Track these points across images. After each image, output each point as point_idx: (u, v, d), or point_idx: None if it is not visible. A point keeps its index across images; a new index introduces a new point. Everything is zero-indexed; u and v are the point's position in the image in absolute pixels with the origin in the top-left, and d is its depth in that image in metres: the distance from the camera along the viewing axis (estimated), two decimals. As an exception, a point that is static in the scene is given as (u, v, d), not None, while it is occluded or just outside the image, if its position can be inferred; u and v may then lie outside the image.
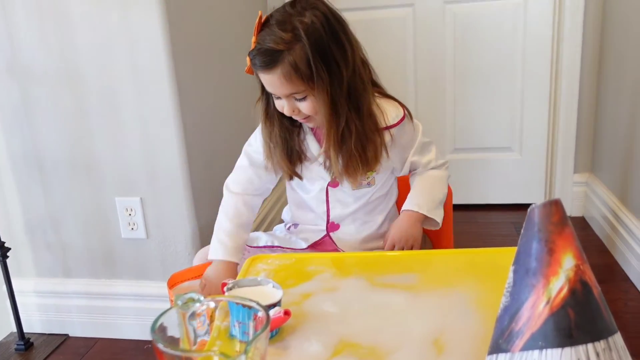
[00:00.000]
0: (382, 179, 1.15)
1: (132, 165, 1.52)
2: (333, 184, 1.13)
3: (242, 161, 1.19)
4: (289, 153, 1.10)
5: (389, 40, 2.27)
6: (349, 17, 2.30)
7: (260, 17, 0.99)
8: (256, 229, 1.90)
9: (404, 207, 1.15)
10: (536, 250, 0.55)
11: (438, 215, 1.14)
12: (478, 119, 2.30)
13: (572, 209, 2.26)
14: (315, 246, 1.18)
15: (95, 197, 1.57)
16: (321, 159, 1.10)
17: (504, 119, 2.28)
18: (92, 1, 1.42)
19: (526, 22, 2.15)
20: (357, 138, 1.04)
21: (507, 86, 2.24)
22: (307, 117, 1.04)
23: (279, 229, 1.28)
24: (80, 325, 1.70)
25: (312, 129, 1.11)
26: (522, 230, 0.57)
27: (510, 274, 0.57)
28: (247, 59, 1.01)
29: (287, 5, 1.00)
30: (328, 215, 1.16)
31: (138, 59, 1.44)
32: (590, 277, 0.54)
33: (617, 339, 0.54)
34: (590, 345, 0.52)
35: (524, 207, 2.36)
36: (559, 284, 0.53)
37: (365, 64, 1.07)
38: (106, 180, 1.55)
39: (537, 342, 0.52)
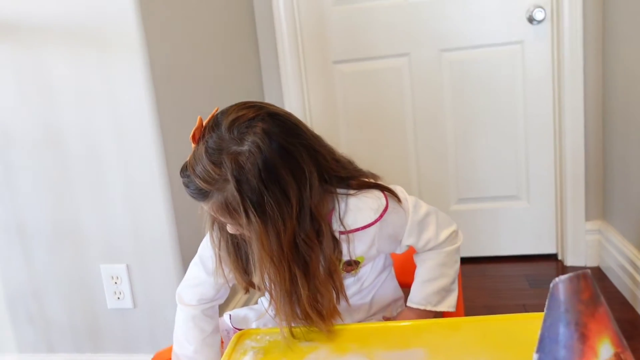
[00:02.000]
0: (371, 265, 1.02)
1: (117, 230, 1.44)
2: None
3: (196, 269, 1.02)
4: (244, 261, 0.93)
5: (386, 90, 2.22)
6: (346, 69, 2.27)
7: (200, 124, 0.85)
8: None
9: (409, 302, 1.03)
10: (564, 336, 0.45)
11: (449, 304, 1.02)
12: (482, 168, 2.22)
13: (586, 259, 2.15)
14: None
15: (79, 265, 1.48)
16: None
17: (508, 166, 2.20)
18: (74, 63, 1.37)
19: (524, 66, 2.10)
20: (309, 295, 0.86)
21: (510, 132, 2.17)
22: None
23: (265, 303, 1.15)
24: (64, 405, 1.58)
25: None
26: (545, 310, 0.48)
27: (535, 364, 0.48)
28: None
29: (224, 126, 0.82)
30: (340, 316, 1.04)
31: (121, 120, 1.38)
32: (634, 368, 0.45)
33: None
34: None
35: (536, 258, 2.25)
36: (596, 379, 0.43)
37: (332, 165, 0.90)
38: (90, 247, 1.46)
39: None
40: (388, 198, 0.94)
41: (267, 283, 0.87)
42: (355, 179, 0.94)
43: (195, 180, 0.83)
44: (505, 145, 2.18)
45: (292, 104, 2.23)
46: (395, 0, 2.14)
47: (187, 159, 0.86)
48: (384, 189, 0.95)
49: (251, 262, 0.92)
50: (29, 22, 1.36)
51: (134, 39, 1.33)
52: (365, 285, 1.03)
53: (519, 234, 2.25)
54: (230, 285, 1.02)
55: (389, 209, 0.94)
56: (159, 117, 1.38)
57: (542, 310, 0.48)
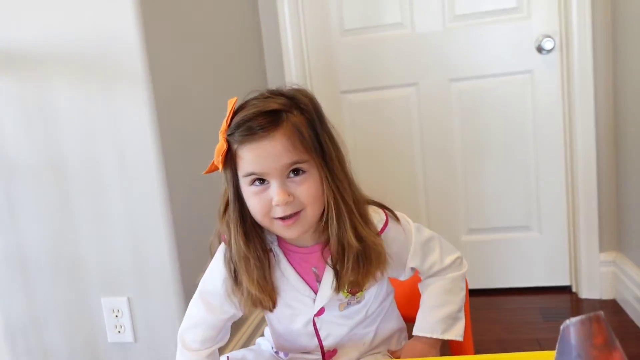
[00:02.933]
0: (372, 292, 0.98)
1: (119, 262, 1.41)
2: (318, 313, 0.95)
3: (195, 308, 0.99)
4: (262, 282, 0.89)
5: (394, 120, 2.20)
6: (354, 99, 2.26)
7: (234, 103, 0.86)
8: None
9: (415, 331, 0.99)
10: (577, 383, 0.41)
11: (455, 333, 0.98)
12: (492, 198, 2.18)
13: (601, 292, 2.09)
14: None
15: (80, 298, 1.45)
16: (302, 290, 0.93)
17: (519, 195, 2.16)
18: (78, 93, 1.36)
19: (534, 95, 2.08)
20: (364, 222, 0.87)
21: (520, 161, 2.14)
22: (297, 214, 0.84)
23: (263, 343, 1.12)
24: None
25: (284, 254, 0.93)
26: (555, 354, 0.44)
27: (545, 414, 0.44)
28: (219, 146, 0.84)
29: (265, 91, 0.87)
30: (322, 347, 0.99)
31: (124, 152, 1.36)
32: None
33: None
34: None
35: (550, 290, 2.19)
36: None
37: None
38: (91, 279, 1.44)
39: None
40: (387, 214, 0.93)
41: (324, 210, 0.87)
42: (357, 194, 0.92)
43: (267, 105, 0.82)
44: (515, 175, 2.15)
45: (300, 133, 2.21)
46: (403, 31, 2.14)
47: (223, 127, 0.85)
48: (383, 206, 0.94)
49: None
50: (33, 53, 1.37)
51: (138, 70, 1.33)
52: (370, 312, 0.99)
53: (531, 265, 2.20)
54: (241, 311, 0.97)
55: (389, 225, 0.93)
56: (162, 148, 1.37)
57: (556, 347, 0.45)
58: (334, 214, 0.85)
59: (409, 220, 0.98)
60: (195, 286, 1.30)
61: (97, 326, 1.46)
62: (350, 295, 0.94)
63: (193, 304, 1.00)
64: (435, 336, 0.97)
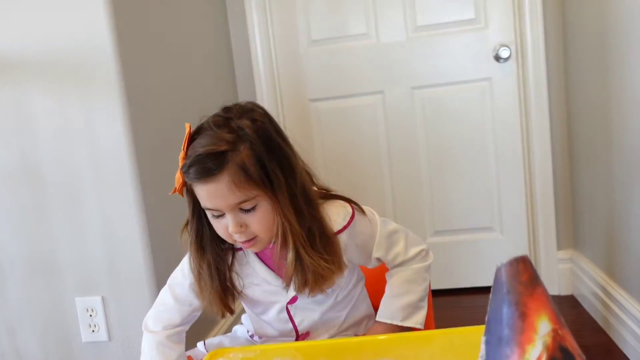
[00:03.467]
0: (341, 280, 1.04)
1: (93, 262, 1.44)
2: (291, 300, 1.02)
3: (164, 297, 1.03)
4: (223, 287, 0.96)
5: (361, 127, 2.28)
6: (322, 107, 2.34)
7: (190, 128, 0.89)
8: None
9: (377, 317, 1.06)
10: (507, 316, 0.48)
11: (416, 321, 1.04)
12: (456, 201, 2.27)
13: (560, 288, 2.18)
14: None
15: (54, 298, 1.48)
16: (273, 281, 0.99)
17: (481, 198, 2.26)
18: (52, 97, 1.40)
19: (493, 102, 2.18)
20: (322, 241, 0.92)
21: (481, 166, 2.23)
22: (253, 239, 0.91)
23: (239, 330, 1.17)
24: None
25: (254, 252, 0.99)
26: (490, 295, 0.51)
27: (482, 346, 0.50)
28: (178, 176, 0.89)
29: (219, 113, 0.90)
30: (296, 331, 1.05)
31: (99, 154, 1.40)
32: (572, 344, 0.48)
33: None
34: None
35: (512, 288, 2.28)
36: (536, 353, 0.46)
37: (306, 169, 0.99)
38: (65, 280, 1.46)
39: None
40: (354, 208, 0.99)
41: (278, 243, 0.91)
42: (322, 189, 1.00)
43: (209, 149, 0.84)
44: (477, 178, 2.24)
45: (270, 140, 2.27)
46: (369, 41, 2.23)
47: (181, 155, 0.88)
48: (349, 200, 1.00)
49: (230, 280, 0.95)
50: (8, 59, 1.40)
51: (112, 75, 1.38)
52: (339, 298, 1.06)
53: (494, 265, 2.26)
54: (203, 309, 1.03)
55: (355, 218, 0.99)
56: (136, 151, 1.41)
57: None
58: (284, 239, 0.90)
59: (375, 213, 1.04)
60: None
61: (71, 326, 1.48)
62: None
63: (162, 290, 1.05)
64: (395, 323, 1.03)
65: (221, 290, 0.96)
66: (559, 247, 2.18)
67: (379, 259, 1.05)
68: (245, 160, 0.84)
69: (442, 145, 2.24)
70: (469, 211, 2.27)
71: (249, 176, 0.85)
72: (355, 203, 1.02)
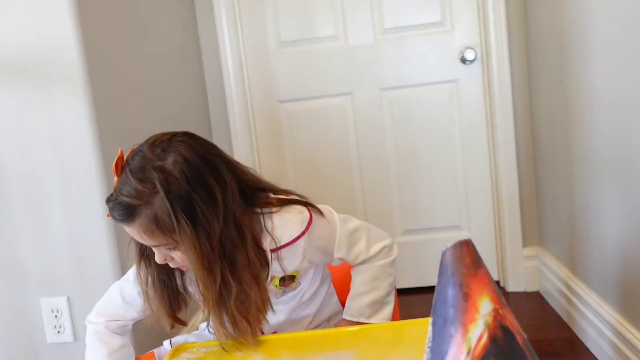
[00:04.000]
0: (308, 277, 1.06)
1: (58, 262, 1.43)
2: None
3: (113, 294, 1.05)
4: (170, 299, 0.97)
5: (331, 128, 2.30)
6: (291, 108, 2.35)
7: (121, 155, 0.90)
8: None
9: (344, 315, 1.07)
10: (452, 297, 0.50)
11: (382, 317, 1.06)
12: (424, 200, 2.31)
13: (526, 285, 2.23)
14: None
15: (18, 299, 1.46)
16: None
17: (449, 197, 2.30)
18: (15, 96, 1.39)
19: (460, 103, 2.23)
20: (237, 298, 0.90)
21: (449, 165, 2.27)
22: (184, 266, 0.93)
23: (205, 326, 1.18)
24: None
25: None
26: (437, 278, 0.53)
27: (430, 327, 0.52)
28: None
29: (146, 147, 0.90)
30: (262, 332, 1.04)
31: (64, 153, 1.40)
32: (512, 323, 0.50)
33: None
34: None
35: (479, 286, 2.32)
36: (477, 332, 0.48)
37: (251, 178, 0.97)
38: (30, 280, 1.45)
39: (460, 399, 0.46)
40: (311, 211, 0.99)
41: (199, 290, 0.90)
42: (277, 193, 0.99)
43: (123, 199, 0.85)
44: (445, 177, 2.28)
45: (240, 142, 2.28)
46: (337, 43, 2.26)
47: (114, 180, 0.89)
48: (306, 204, 1.00)
49: (182, 287, 0.96)
50: (-29, 57, 1.39)
51: (76, 73, 1.37)
52: (305, 298, 1.07)
53: (462, 263, 2.32)
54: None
55: (313, 222, 0.99)
56: (101, 150, 1.41)
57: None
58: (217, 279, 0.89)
59: (333, 211, 1.04)
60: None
61: (36, 327, 1.46)
62: (282, 287, 1.02)
63: (111, 289, 1.06)
64: (362, 320, 1.05)
65: (168, 303, 0.97)
66: (525, 244, 2.23)
67: (341, 259, 1.06)
68: (157, 212, 0.85)
69: (410, 145, 2.28)
70: (438, 210, 2.31)
71: (161, 227, 0.86)
72: (312, 205, 1.01)
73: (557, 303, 2.02)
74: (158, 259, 0.90)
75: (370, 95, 2.27)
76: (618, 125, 1.46)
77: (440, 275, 0.52)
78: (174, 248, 0.89)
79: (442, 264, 0.52)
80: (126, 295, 1.03)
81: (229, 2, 2.22)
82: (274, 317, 1.04)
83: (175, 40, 2.02)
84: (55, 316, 1.45)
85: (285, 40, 2.27)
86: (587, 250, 1.75)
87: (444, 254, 0.52)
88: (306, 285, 1.06)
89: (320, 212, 1.02)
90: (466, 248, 0.51)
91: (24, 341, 1.48)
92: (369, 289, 1.07)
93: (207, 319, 1.17)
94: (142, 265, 0.96)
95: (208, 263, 0.87)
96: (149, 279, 0.96)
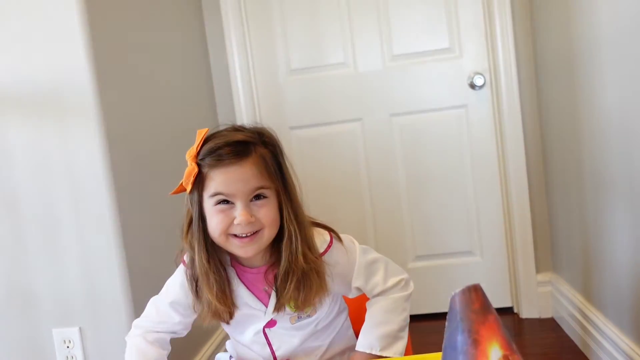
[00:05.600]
0: (325, 307, 1.06)
1: (71, 293, 1.44)
2: (269, 324, 1.03)
3: (149, 308, 1.07)
4: (222, 295, 0.98)
5: (341, 154, 2.31)
6: (302, 134, 2.37)
7: (205, 132, 0.95)
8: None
9: (357, 347, 1.06)
10: (461, 343, 0.50)
11: (395, 350, 1.05)
12: (436, 226, 2.30)
13: (540, 311, 2.20)
14: None
15: (31, 330, 1.46)
16: (254, 305, 1.02)
17: (461, 223, 2.28)
18: (29, 128, 1.41)
19: (469, 128, 2.23)
20: (310, 246, 0.97)
21: (460, 190, 2.27)
22: (256, 233, 0.94)
23: (222, 357, 1.17)
24: None
25: (237, 273, 1.01)
26: (446, 323, 0.53)
27: (439, 374, 0.52)
28: (190, 169, 0.92)
29: (230, 126, 0.99)
30: (274, 357, 1.06)
31: (77, 184, 1.41)
32: (523, 369, 0.49)
33: None
34: None
35: (493, 312, 2.29)
36: (488, 379, 0.47)
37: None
38: (43, 311, 1.46)
39: None
40: (332, 237, 1.03)
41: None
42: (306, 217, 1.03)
43: (239, 137, 0.93)
44: (456, 203, 2.27)
45: (251, 168, 2.29)
46: (347, 70, 2.28)
47: (193, 152, 0.94)
48: (328, 228, 1.04)
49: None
50: (-12, 91, 1.41)
51: (90, 105, 1.39)
52: (320, 327, 1.07)
53: (475, 289, 2.30)
54: (192, 321, 1.06)
55: (333, 246, 1.02)
56: (114, 181, 1.42)
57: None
58: (287, 236, 0.95)
59: (355, 241, 1.06)
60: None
61: (48, 358, 1.47)
62: (297, 310, 1.02)
63: (148, 306, 1.08)
64: (374, 352, 1.04)
65: (223, 295, 0.98)
66: (538, 270, 2.20)
67: (358, 289, 1.06)
68: (265, 154, 0.94)
69: (421, 171, 2.28)
70: (449, 236, 2.30)
71: (268, 168, 0.93)
72: (334, 232, 1.04)
73: (571, 330, 1.99)
74: (244, 214, 0.91)
75: (380, 121, 2.28)
76: (630, 150, 1.46)
77: (449, 320, 0.52)
78: (266, 199, 0.94)
79: (450, 309, 0.52)
80: (159, 307, 1.05)
81: (240, 30, 2.26)
82: (288, 341, 1.05)
83: (187, 69, 2.05)
84: (67, 347, 1.45)
85: (295, 68, 2.29)
86: (600, 277, 1.73)
87: (452, 299, 0.52)
88: (322, 314, 1.06)
89: (340, 239, 1.04)
90: (475, 293, 0.51)
91: (36, 372, 1.48)
92: (382, 321, 1.07)
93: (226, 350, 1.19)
94: (204, 254, 0.96)
95: (296, 213, 0.96)
96: (210, 269, 0.96)
